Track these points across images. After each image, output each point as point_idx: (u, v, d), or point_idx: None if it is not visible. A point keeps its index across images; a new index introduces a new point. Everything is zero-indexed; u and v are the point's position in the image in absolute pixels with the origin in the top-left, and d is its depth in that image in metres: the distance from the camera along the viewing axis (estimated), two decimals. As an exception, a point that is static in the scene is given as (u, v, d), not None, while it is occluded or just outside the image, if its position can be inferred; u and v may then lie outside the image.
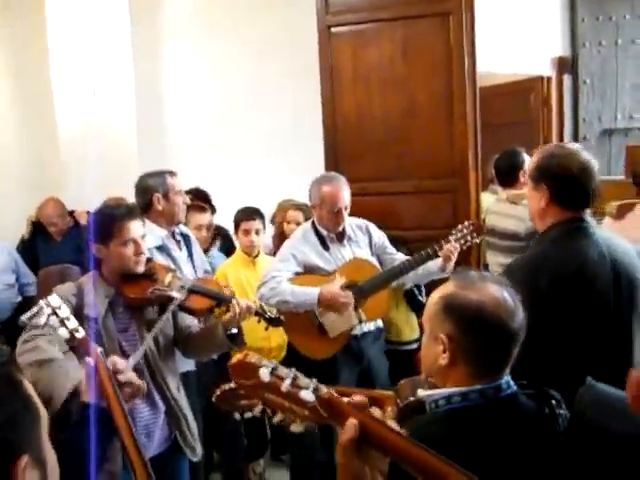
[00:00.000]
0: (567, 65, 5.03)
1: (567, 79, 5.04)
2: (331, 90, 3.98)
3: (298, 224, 3.67)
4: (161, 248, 2.92)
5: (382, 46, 3.91)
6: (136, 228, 2.22)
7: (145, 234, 2.30)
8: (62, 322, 1.72)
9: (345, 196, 3.03)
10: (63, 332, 1.71)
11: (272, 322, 2.61)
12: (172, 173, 3.04)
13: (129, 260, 2.20)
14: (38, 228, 4.58)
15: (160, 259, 2.86)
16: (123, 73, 4.97)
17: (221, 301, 2.50)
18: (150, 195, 2.95)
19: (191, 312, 2.46)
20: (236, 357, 0.92)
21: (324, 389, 0.88)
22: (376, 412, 0.93)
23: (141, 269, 2.25)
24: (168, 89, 5.25)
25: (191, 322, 2.43)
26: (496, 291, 1.38)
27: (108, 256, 2.20)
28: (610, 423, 1.30)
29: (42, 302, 1.74)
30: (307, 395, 0.86)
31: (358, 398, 0.90)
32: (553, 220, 1.98)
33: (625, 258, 1.96)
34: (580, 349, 1.85)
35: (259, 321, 2.60)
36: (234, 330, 2.38)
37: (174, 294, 2.28)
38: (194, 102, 5.18)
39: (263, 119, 4.90)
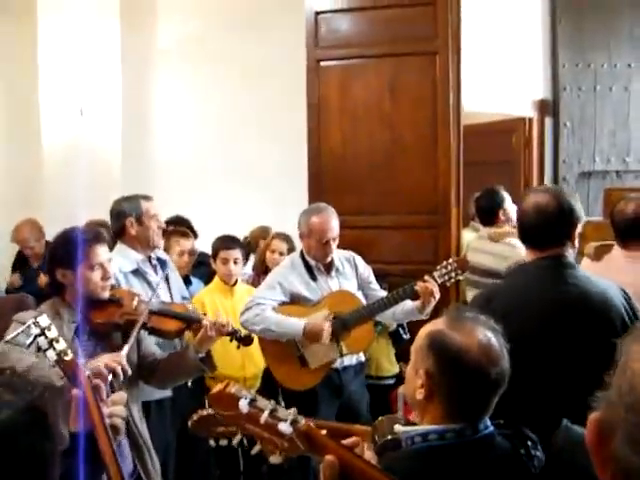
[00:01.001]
0: (548, 108, 5.15)
1: (548, 121, 5.16)
2: (317, 122, 4.03)
3: (281, 254, 3.67)
4: (137, 272, 2.90)
5: (369, 82, 3.98)
6: (103, 252, 2.18)
7: (111, 259, 2.26)
8: (50, 343, 1.68)
9: (334, 227, 3.03)
10: (51, 354, 1.67)
11: (243, 341, 2.60)
12: (147, 197, 3.02)
13: (96, 285, 2.16)
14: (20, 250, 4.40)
15: (136, 283, 2.85)
16: (111, 95, 4.99)
17: (190, 322, 2.47)
18: (123, 219, 2.94)
19: (162, 334, 2.44)
20: (216, 387, 0.92)
21: (302, 421, 0.88)
22: (359, 449, 0.93)
23: (107, 294, 2.22)
24: (155, 113, 5.27)
25: (155, 350, 2.38)
26: (483, 336, 1.37)
27: (74, 281, 2.13)
28: (589, 467, 1.29)
29: (30, 321, 1.71)
30: (285, 427, 0.87)
31: (351, 440, 0.91)
32: (529, 259, 2.05)
33: (599, 298, 1.95)
34: (539, 385, 1.84)
35: (231, 340, 2.59)
36: (203, 354, 2.33)
37: (143, 318, 2.25)
38: (180, 127, 5.20)
39: (248, 148, 4.93)
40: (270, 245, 3.78)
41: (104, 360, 2.02)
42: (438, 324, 1.44)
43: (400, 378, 3.57)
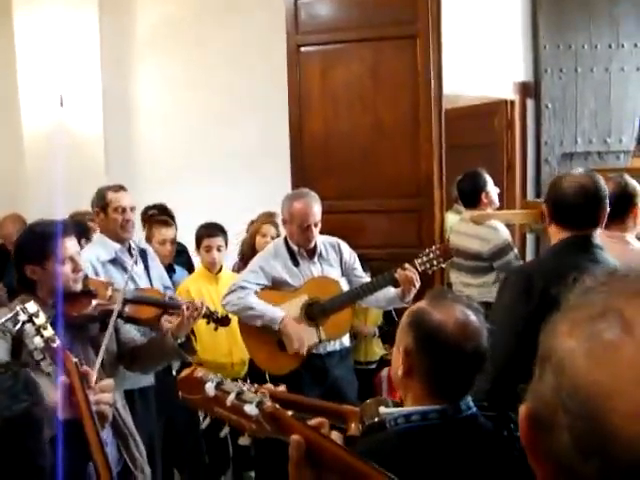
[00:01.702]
0: (530, 90, 5.17)
1: (530, 103, 5.18)
2: (299, 108, 4.02)
3: (272, 238, 3.68)
4: (115, 261, 2.93)
5: (350, 66, 3.97)
6: (72, 245, 2.15)
7: (79, 251, 2.23)
8: (38, 330, 1.68)
9: (315, 213, 3.04)
10: (38, 341, 1.67)
11: (220, 322, 2.63)
12: (117, 189, 3.03)
13: (67, 278, 2.12)
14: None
15: (114, 272, 2.87)
16: (91, 83, 4.94)
17: (167, 307, 2.49)
18: (92, 209, 3.03)
19: (139, 322, 2.44)
20: (183, 372, 0.94)
21: (268, 403, 0.89)
22: (325, 429, 0.94)
23: (79, 287, 2.19)
24: (136, 101, 5.23)
25: (135, 335, 2.37)
26: (461, 314, 1.38)
27: (44, 276, 2.10)
28: None
29: (18, 307, 1.70)
30: (251, 409, 0.88)
31: (316, 421, 0.92)
32: (558, 238, 2.13)
33: None
34: None
35: (208, 322, 2.61)
36: (183, 339, 2.33)
37: (118, 307, 2.24)
38: (162, 114, 5.16)
39: (230, 135, 4.91)
40: (260, 230, 3.80)
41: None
42: (420, 303, 1.47)
43: (383, 361, 3.61)
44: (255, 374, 3.31)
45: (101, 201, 2.99)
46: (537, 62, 5.13)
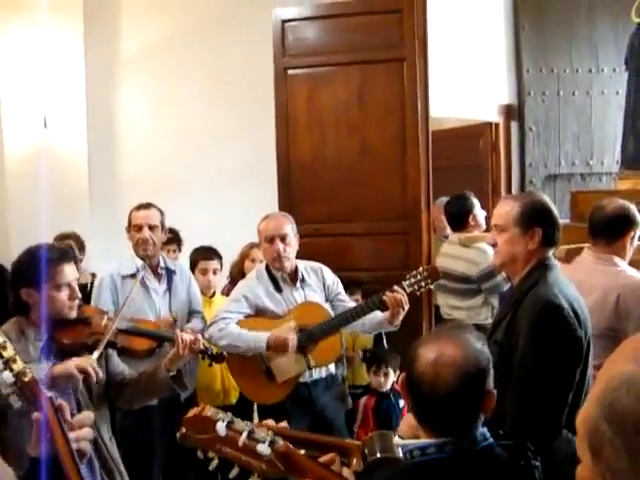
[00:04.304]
0: (514, 112, 5.26)
1: (514, 126, 5.26)
2: (286, 131, 4.01)
3: (261, 262, 3.63)
4: (134, 276, 2.96)
5: (337, 89, 3.98)
6: (70, 272, 2.12)
7: (79, 278, 2.21)
8: (6, 363, 1.60)
9: (280, 225, 2.97)
10: (7, 375, 1.59)
11: (215, 359, 2.61)
12: (139, 207, 3.10)
13: (63, 305, 2.10)
14: None
15: (129, 287, 2.84)
16: (75, 105, 4.89)
17: (162, 340, 2.49)
18: None
19: (132, 353, 2.41)
20: (192, 411, 0.90)
21: (280, 442, 0.86)
22: (335, 465, 0.92)
23: (74, 314, 2.16)
24: (121, 123, 5.19)
25: (123, 369, 2.31)
26: (431, 352, 1.32)
27: (39, 301, 2.07)
28: None
29: None
30: (264, 448, 0.85)
31: (327, 457, 0.90)
32: (537, 259, 2.05)
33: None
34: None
35: (203, 358, 2.58)
36: (174, 372, 2.26)
37: (111, 337, 2.22)
38: (147, 137, 5.12)
39: (217, 158, 4.89)
40: (249, 254, 3.76)
41: (75, 362, 1.98)
42: (429, 334, 1.45)
43: (368, 389, 3.56)
44: (244, 402, 3.25)
45: (128, 219, 3.08)
46: (520, 85, 5.22)
